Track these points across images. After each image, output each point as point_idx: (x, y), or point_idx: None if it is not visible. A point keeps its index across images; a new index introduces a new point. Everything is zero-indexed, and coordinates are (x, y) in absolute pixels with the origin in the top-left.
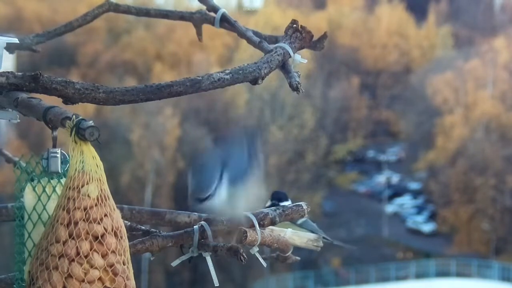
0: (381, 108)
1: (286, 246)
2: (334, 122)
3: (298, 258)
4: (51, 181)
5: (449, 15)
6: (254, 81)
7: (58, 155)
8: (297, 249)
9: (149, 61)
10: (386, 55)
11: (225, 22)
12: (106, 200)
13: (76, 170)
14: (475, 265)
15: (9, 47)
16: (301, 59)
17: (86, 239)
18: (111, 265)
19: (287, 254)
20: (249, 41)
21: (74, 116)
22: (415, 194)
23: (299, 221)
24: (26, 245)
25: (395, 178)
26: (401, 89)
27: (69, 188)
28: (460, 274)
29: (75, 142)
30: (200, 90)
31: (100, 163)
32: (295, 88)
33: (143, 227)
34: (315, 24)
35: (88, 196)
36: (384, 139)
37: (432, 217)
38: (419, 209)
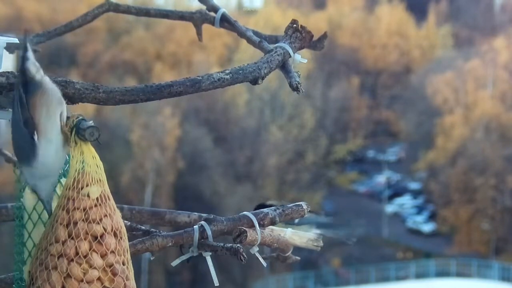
0: (381, 108)
1: (286, 246)
2: (334, 122)
3: (298, 258)
4: None
5: (449, 15)
6: (254, 81)
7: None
8: (297, 249)
9: (149, 61)
10: (386, 55)
11: (225, 22)
12: (106, 200)
13: (76, 170)
14: (475, 265)
15: (9, 47)
16: (301, 59)
17: (85, 239)
18: (110, 265)
19: (287, 254)
20: (249, 41)
21: (74, 117)
22: (415, 194)
23: (296, 220)
24: (26, 245)
25: (395, 178)
26: (401, 89)
27: (69, 188)
28: (460, 274)
29: (75, 142)
30: (200, 90)
31: (100, 163)
32: (295, 88)
33: (143, 227)
34: (315, 24)
35: (88, 196)
36: (384, 139)
37: (432, 217)
38: (419, 209)
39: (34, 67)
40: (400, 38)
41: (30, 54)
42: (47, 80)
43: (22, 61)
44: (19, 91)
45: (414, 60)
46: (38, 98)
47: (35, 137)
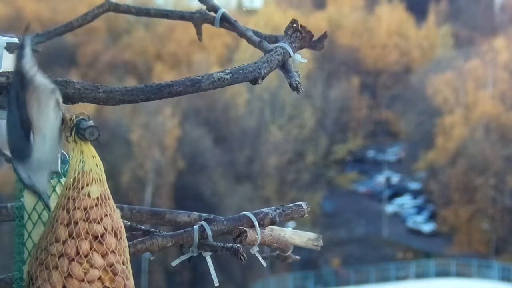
0: (381, 108)
1: (286, 245)
2: (334, 122)
3: (298, 257)
4: (51, 181)
5: (449, 15)
6: (254, 81)
7: (58, 155)
8: (297, 249)
9: (149, 61)
10: (386, 55)
11: (225, 21)
12: (106, 200)
13: (76, 170)
14: (475, 265)
15: (9, 47)
16: (301, 59)
17: (86, 238)
18: (111, 265)
19: (287, 254)
20: (249, 40)
21: (74, 116)
22: (415, 194)
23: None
24: (26, 245)
25: (395, 178)
26: (401, 89)
27: (69, 188)
28: (460, 274)
29: (75, 142)
30: (200, 90)
31: (100, 163)
32: (295, 88)
33: (143, 227)
34: (315, 24)
35: (88, 196)
36: (384, 139)
37: (432, 217)
38: (419, 209)
39: (28, 65)
40: (400, 38)
41: (27, 52)
42: (38, 76)
43: (18, 59)
44: (16, 90)
45: (414, 60)
46: (30, 95)
47: (31, 137)
